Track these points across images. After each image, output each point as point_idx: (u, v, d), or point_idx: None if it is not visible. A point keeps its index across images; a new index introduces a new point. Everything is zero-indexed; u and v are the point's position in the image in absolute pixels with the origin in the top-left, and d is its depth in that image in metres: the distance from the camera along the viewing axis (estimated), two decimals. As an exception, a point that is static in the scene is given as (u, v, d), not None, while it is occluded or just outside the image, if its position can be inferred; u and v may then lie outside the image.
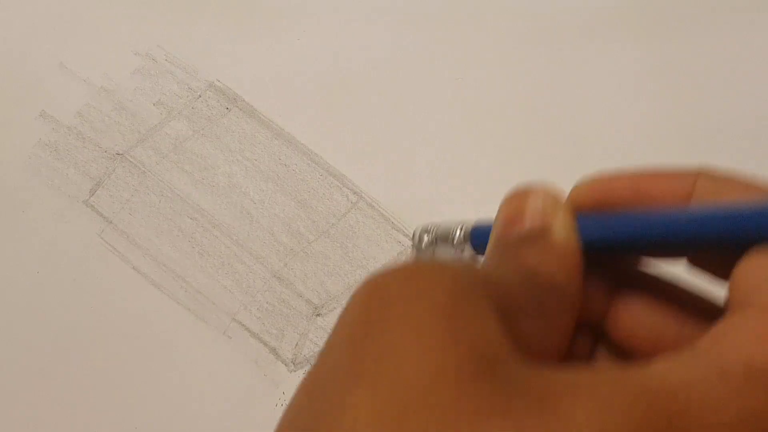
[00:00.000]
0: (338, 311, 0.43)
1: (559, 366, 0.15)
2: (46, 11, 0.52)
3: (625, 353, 0.21)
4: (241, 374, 0.42)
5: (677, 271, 0.21)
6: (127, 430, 0.41)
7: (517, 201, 0.20)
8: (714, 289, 0.20)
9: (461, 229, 0.23)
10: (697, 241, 0.18)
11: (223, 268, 0.44)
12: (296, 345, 0.43)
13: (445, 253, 0.23)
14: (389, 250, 0.45)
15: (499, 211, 0.21)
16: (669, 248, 0.20)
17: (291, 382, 0.42)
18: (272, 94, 0.49)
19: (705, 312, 0.20)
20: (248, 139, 0.48)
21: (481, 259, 0.21)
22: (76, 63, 0.50)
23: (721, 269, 0.18)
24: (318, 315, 0.43)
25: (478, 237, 0.22)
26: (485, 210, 0.45)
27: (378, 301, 0.16)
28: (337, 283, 0.44)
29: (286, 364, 0.42)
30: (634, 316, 0.21)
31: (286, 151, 0.47)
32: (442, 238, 0.23)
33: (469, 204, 0.46)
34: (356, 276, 0.44)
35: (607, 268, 0.21)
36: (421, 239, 0.24)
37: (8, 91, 0.50)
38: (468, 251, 0.23)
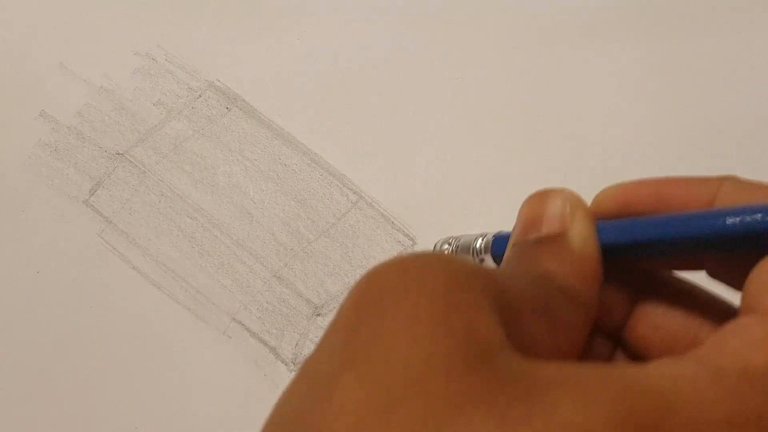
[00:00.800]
0: (338, 311, 0.43)
1: (553, 361, 0.15)
2: (46, 11, 0.52)
3: (644, 360, 0.21)
4: (241, 374, 0.42)
5: (698, 280, 0.21)
6: (127, 430, 0.41)
7: (536, 204, 0.20)
8: (734, 297, 0.20)
9: (482, 240, 0.23)
10: (717, 243, 0.18)
11: (223, 268, 0.44)
12: (296, 345, 0.43)
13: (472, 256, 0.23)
14: (389, 250, 0.45)
15: (519, 213, 0.21)
16: (689, 251, 0.19)
17: (291, 382, 0.42)
18: (272, 94, 0.49)
19: (723, 320, 0.20)
20: (248, 139, 0.48)
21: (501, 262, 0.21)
22: (76, 63, 0.50)
23: (740, 279, 0.18)
24: (318, 315, 0.43)
25: (498, 247, 0.22)
26: (485, 210, 0.45)
27: (375, 290, 0.16)
28: (337, 283, 0.44)
29: (286, 364, 0.42)
30: (654, 323, 0.21)
31: (286, 151, 0.47)
32: (463, 249, 0.23)
33: (469, 204, 0.46)
34: (356, 276, 0.44)
35: (628, 274, 0.21)
36: (443, 249, 0.24)
37: (8, 91, 0.50)
38: (489, 262, 0.23)
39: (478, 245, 0.23)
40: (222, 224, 0.45)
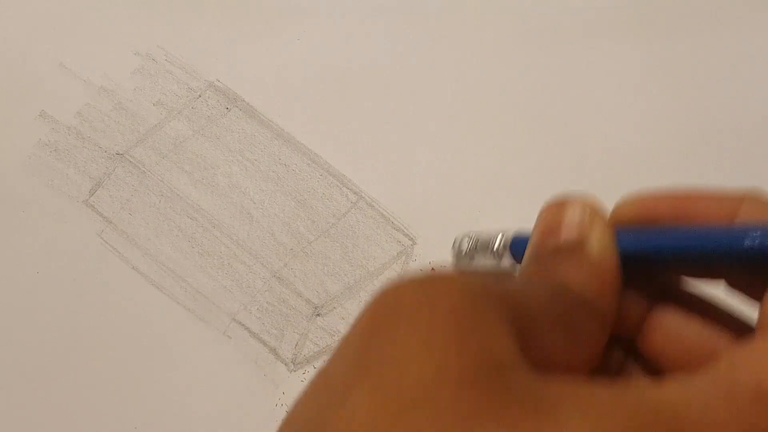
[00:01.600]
0: (338, 311, 0.43)
1: (566, 377, 0.15)
2: (46, 11, 0.52)
3: (657, 370, 0.21)
4: (241, 374, 0.42)
5: (716, 292, 0.21)
6: (127, 430, 0.41)
7: (555, 211, 0.20)
8: (752, 310, 0.20)
9: (502, 238, 0.23)
10: (735, 257, 0.18)
11: (223, 268, 0.44)
12: (296, 345, 0.43)
13: (484, 261, 0.23)
14: (389, 250, 0.45)
15: (537, 220, 0.21)
16: (708, 264, 0.19)
17: (291, 382, 0.42)
18: (272, 94, 0.49)
19: (740, 333, 0.20)
20: (248, 139, 0.48)
21: (519, 268, 0.21)
22: (76, 63, 0.50)
23: (759, 292, 0.18)
24: (318, 315, 0.43)
25: (517, 246, 0.22)
26: (485, 210, 0.45)
27: (390, 307, 0.16)
28: (337, 283, 0.44)
29: (286, 364, 0.42)
30: (668, 334, 0.20)
31: (286, 151, 0.47)
32: (482, 246, 0.23)
33: (469, 204, 0.46)
34: (356, 276, 0.44)
35: (645, 283, 0.21)
36: (461, 246, 0.24)
37: (8, 91, 0.50)
38: (507, 260, 0.23)
39: (497, 244, 0.23)
40: (222, 224, 0.45)
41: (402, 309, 0.15)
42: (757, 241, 0.17)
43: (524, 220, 0.48)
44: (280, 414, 0.41)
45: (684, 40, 0.50)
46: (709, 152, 0.46)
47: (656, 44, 0.50)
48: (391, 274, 0.44)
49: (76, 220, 0.46)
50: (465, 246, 0.24)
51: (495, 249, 0.23)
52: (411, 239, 0.45)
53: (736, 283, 0.20)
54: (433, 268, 0.18)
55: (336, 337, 0.43)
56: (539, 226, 0.20)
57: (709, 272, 0.20)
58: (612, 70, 0.49)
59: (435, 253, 0.44)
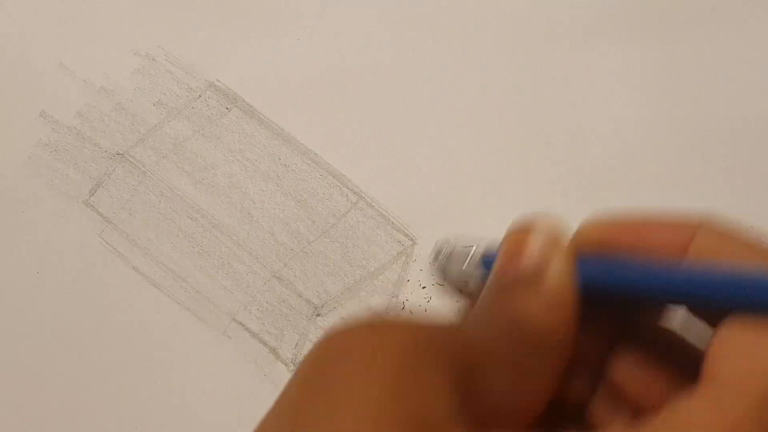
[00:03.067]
0: (338, 311, 0.43)
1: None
2: (46, 11, 0.52)
3: (622, 399, 0.20)
4: (241, 374, 0.42)
5: (680, 317, 0.20)
6: (127, 430, 0.41)
7: (517, 238, 0.20)
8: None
9: (474, 250, 0.23)
10: (683, 300, 0.18)
11: (223, 268, 0.44)
12: (296, 345, 0.43)
13: (457, 270, 0.23)
14: (389, 250, 0.45)
15: (500, 245, 0.20)
16: (660, 301, 0.19)
17: (291, 382, 0.42)
18: (272, 94, 0.49)
19: (694, 376, 0.20)
20: (248, 139, 0.48)
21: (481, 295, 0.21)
22: (76, 63, 0.50)
23: (719, 320, 0.18)
24: (318, 315, 0.43)
25: (489, 261, 0.22)
26: (485, 210, 0.45)
27: (330, 358, 0.16)
28: (337, 283, 0.44)
29: (286, 364, 0.42)
30: (629, 371, 0.20)
31: (286, 151, 0.47)
32: (457, 256, 0.23)
33: (469, 204, 0.46)
34: (356, 276, 0.44)
35: (607, 316, 0.21)
36: (438, 253, 0.24)
37: (8, 91, 0.50)
38: (480, 271, 0.22)
39: (469, 257, 0.23)
40: (222, 224, 0.45)
41: (341, 362, 0.15)
42: (701, 286, 0.17)
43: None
44: (280, 414, 0.41)
45: (684, 40, 0.50)
46: (709, 152, 0.46)
47: (656, 44, 0.50)
48: (392, 274, 0.44)
49: (76, 220, 0.46)
50: (441, 253, 0.24)
51: (468, 260, 0.22)
52: (411, 239, 0.45)
53: (695, 311, 0.20)
54: (374, 314, 0.18)
55: (336, 337, 0.43)
56: (501, 253, 0.20)
57: (669, 302, 0.20)
58: (612, 70, 0.49)
59: (435, 253, 0.44)
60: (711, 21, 0.50)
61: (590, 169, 0.46)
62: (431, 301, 0.43)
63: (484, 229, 0.47)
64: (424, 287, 0.44)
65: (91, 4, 0.52)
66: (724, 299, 0.17)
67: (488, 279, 0.20)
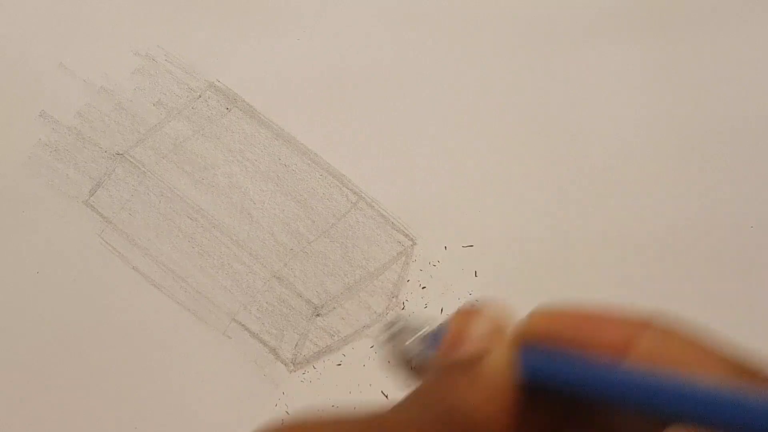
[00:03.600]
0: (338, 311, 0.43)
1: None
2: (46, 11, 0.52)
3: None
4: (241, 374, 0.42)
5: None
6: (127, 430, 0.41)
7: (461, 321, 0.19)
8: None
9: (428, 328, 0.22)
10: (619, 403, 0.17)
11: (223, 268, 0.44)
12: (296, 345, 0.43)
13: (404, 348, 0.23)
14: (389, 251, 0.45)
15: (445, 327, 0.20)
16: (599, 401, 0.19)
17: (291, 382, 0.42)
18: (272, 94, 0.49)
19: None
20: (248, 139, 0.48)
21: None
22: (76, 63, 0.50)
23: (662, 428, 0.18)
24: (318, 315, 0.43)
25: (436, 342, 0.22)
26: (485, 210, 0.45)
27: None
28: (337, 283, 0.44)
29: (285, 364, 0.42)
30: None
31: (286, 151, 0.47)
32: (408, 332, 0.23)
33: (469, 204, 0.46)
34: (356, 276, 0.44)
35: (556, 406, 0.20)
36: (388, 328, 0.24)
37: (8, 91, 0.50)
38: (427, 352, 0.22)
39: (414, 339, 0.22)
40: (222, 224, 0.45)
41: None
42: (637, 395, 0.17)
43: (524, 220, 0.48)
44: (280, 414, 0.41)
45: (684, 40, 0.50)
46: (709, 152, 0.46)
47: (656, 44, 0.50)
48: (391, 274, 0.44)
49: (76, 220, 0.46)
50: (392, 330, 0.23)
51: (414, 339, 0.22)
52: (411, 239, 0.45)
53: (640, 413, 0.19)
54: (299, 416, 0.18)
55: (336, 337, 0.43)
56: (445, 336, 0.20)
57: (606, 402, 0.19)
58: (612, 70, 0.49)
59: (435, 253, 0.44)
60: (711, 21, 0.50)
61: (590, 169, 0.46)
62: (429, 307, 0.43)
63: (484, 229, 0.47)
64: (424, 287, 0.44)
65: (91, 4, 0.52)
66: (657, 408, 0.17)
67: (431, 362, 0.20)
